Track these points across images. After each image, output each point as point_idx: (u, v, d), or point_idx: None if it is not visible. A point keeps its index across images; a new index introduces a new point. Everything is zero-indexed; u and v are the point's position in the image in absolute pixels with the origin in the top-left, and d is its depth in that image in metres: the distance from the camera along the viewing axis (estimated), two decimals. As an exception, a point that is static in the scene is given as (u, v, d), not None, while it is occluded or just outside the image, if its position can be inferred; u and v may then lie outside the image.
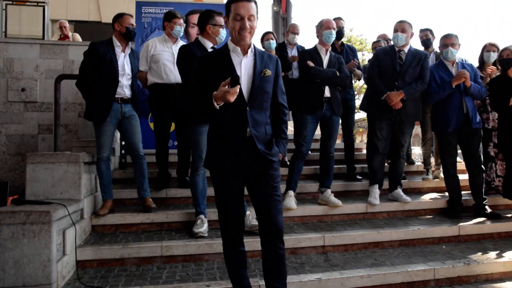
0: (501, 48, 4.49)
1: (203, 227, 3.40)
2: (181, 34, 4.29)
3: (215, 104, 2.06)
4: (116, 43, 3.68)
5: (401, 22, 4.18)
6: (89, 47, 3.69)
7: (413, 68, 4.12)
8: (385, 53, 4.24)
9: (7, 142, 6.18)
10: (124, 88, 3.67)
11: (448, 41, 4.17)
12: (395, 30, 4.17)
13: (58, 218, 2.72)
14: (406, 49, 4.17)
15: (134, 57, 3.85)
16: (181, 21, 4.28)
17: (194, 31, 5.75)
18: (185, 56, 3.34)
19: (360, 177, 4.98)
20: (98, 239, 3.31)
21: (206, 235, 3.39)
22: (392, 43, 4.45)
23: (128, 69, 3.72)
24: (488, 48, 4.62)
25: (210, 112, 2.12)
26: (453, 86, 4.04)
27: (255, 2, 2.19)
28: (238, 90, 2.02)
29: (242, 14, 2.12)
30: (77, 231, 3.00)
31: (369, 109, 4.46)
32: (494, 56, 4.56)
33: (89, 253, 3.05)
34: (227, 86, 2.00)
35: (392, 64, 4.12)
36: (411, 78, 4.11)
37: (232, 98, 2.03)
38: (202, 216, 3.49)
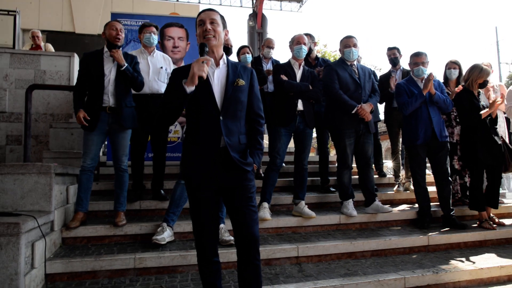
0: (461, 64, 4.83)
1: (161, 235, 3.38)
2: (153, 41, 4.26)
3: (186, 88, 2.10)
4: (105, 50, 3.66)
5: (350, 37, 4.34)
6: (82, 57, 3.70)
7: (367, 81, 4.33)
8: (341, 67, 4.31)
9: (-28, 153, 5.97)
10: (110, 96, 3.58)
11: (419, 59, 4.36)
12: (348, 46, 4.28)
13: (27, 230, 2.64)
14: (355, 63, 4.36)
15: (127, 62, 3.66)
16: (153, 29, 4.26)
17: (169, 43, 5.82)
18: None
19: (333, 189, 5.06)
20: (69, 252, 3.23)
21: (163, 243, 3.37)
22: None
23: (114, 75, 3.60)
24: (449, 65, 4.89)
25: (182, 101, 2.15)
26: (424, 94, 4.21)
27: (221, 15, 2.32)
28: (205, 61, 2.09)
29: (204, 18, 2.26)
30: (47, 244, 2.92)
31: (336, 126, 4.31)
32: (455, 73, 4.83)
33: (59, 266, 2.97)
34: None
35: (352, 77, 4.25)
36: (368, 90, 4.34)
37: (200, 71, 2.07)
38: (164, 224, 3.49)
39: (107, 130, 3.62)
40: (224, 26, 2.33)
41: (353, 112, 4.16)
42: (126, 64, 3.59)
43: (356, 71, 4.30)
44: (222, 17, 2.33)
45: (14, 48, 7.30)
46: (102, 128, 3.58)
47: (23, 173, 3.14)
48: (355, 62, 4.35)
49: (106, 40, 3.66)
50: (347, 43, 4.31)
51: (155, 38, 4.27)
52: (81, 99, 3.64)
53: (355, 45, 4.28)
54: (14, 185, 3.09)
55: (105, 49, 3.66)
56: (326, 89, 4.32)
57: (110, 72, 3.60)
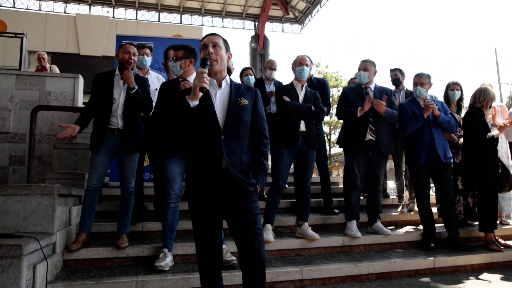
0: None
1: (164, 261, 3.33)
2: (145, 63, 4.29)
3: (190, 102, 2.16)
4: (117, 72, 3.70)
5: (364, 61, 4.45)
6: (93, 77, 3.76)
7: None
8: (352, 91, 4.44)
9: (-25, 173, 5.97)
10: (118, 117, 3.59)
11: (418, 80, 4.41)
12: (359, 69, 4.43)
13: (29, 252, 2.62)
14: (372, 86, 4.39)
15: (137, 85, 3.68)
16: (146, 50, 4.30)
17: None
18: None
19: (337, 211, 5.02)
20: (70, 275, 3.19)
21: (167, 269, 3.32)
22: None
23: (123, 98, 3.62)
24: (452, 87, 4.90)
25: (186, 116, 2.19)
26: (425, 117, 4.24)
27: (224, 39, 2.38)
28: (206, 73, 2.16)
29: (206, 43, 2.32)
30: (48, 266, 2.89)
31: (347, 145, 4.48)
32: (458, 94, 4.84)
33: (60, 289, 2.93)
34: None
35: (361, 100, 4.29)
36: None
37: (200, 82, 2.12)
38: (165, 250, 3.44)
39: (115, 151, 3.63)
40: (227, 50, 2.38)
41: (359, 115, 4.20)
42: (136, 87, 3.61)
43: (371, 94, 4.34)
44: (225, 41, 2.38)
45: (20, 69, 7.41)
46: (109, 149, 3.59)
47: (26, 194, 3.13)
48: (370, 85, 4.40)
49: (119, 62, 3.71)
50: (360, 66, 4.43)
51: (147, 60, 4.30)
52: (85, 117, 3.69)
53: (365, 69, 4.38)
54: (17, 206, 3.08)
55: (117, 71, 3.70)
56: (336, 112, 4.51)
57: (119, 95, 3.63)
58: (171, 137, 3.42)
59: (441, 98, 5.00)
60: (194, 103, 2.17)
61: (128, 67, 3.65)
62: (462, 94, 4.91)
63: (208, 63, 2.25)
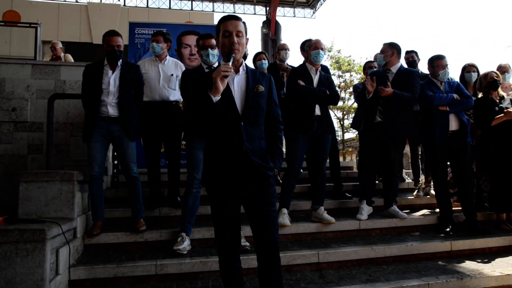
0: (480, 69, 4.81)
1: (182, 245, 3.38)
2: (154, 50, 4.28)
3: (212, 97, 2.11)
4: (105, 62, 3.71)
5: (383, 44, 4.48)
6: (84, 68, 3.77)
7: (399, 86, 4.24)
8: (375, 75, 4.41)
9: (-4, 162, 6.10)
10: (109, 106, 3.61)
11: (445, 63, 4.37)
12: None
13: (52, 236, 2.69)
14: (394, 69, 4.34)
15: (130, 73, 3.74)
16: (158, 37, 4.28)
17: (186, 51, 5.88)
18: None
19: (349, 195, 5.02)
20: (91, 259, 3.27)
21: (185, 252, 3.37)
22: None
23: (113, 87, 3.64)
24: (468, 69, 4.82)
25: (208, 112, 2.15)
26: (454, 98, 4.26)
27: (244, 23, 2.30)
28: (230, 67, 2.11)
29: (230, 30, 2.22)
30: (70, 250, 2.96)
31: (358, 126, 4.62)
32: (475, 76, 4.75)
33: (82, 273, 3.01)
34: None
35: (382, 84, 4.25)
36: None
37: (219, 74, 2.08)
38: (183, 234, 3.49)
39: (109, 138, 3.67)
40: (246, 34, 2.32)
41: (368, 97, 4.29)
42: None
43: (390, 77, 4.35)
44: (244, 25, 2.31)
45: (36, 59, 7.48)
46: (104, 137, 3.63)
47: (47, 180, 3.20)
48: (392, 68, 4.39)
49: (105, 53, 3.70)
50: None
51: (155, 47, 4.26)
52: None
53: (381, 52, 4.48)
54: (38, 193, 3.16)
55: (105, 61, 3.71)
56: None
57: (108, 84, 3.64)
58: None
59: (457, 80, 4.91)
60: (216, 98, 2.13)
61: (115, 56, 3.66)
62: (478, 76, 4.81)
63: (233, 56, 2.18)
